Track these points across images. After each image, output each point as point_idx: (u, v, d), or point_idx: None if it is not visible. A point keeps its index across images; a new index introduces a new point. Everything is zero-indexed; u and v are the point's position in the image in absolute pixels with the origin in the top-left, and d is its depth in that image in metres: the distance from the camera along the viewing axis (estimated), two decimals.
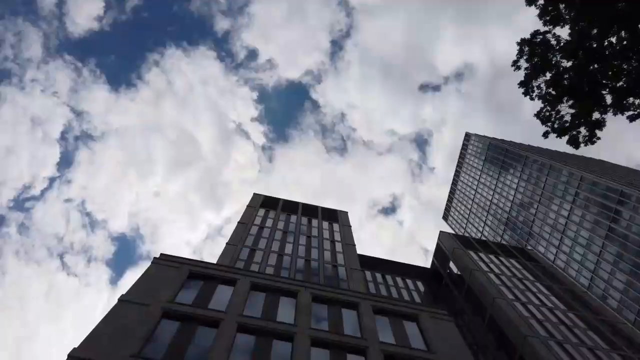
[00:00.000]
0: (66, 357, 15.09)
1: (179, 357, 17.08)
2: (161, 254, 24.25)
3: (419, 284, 56.73)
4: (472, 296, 47.79)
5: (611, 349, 37.81)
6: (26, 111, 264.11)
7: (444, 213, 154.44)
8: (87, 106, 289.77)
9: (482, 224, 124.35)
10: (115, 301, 19.10)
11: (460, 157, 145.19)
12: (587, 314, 43.91)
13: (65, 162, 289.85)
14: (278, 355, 18.74)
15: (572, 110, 19.82)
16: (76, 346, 15.72)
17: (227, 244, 43.11)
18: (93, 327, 17.01)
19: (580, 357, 35.12)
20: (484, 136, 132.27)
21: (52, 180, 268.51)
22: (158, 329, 18.55)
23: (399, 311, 24.45)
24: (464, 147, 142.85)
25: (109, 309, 18.24)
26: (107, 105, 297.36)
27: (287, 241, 48.77)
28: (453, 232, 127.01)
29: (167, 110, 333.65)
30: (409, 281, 56.58)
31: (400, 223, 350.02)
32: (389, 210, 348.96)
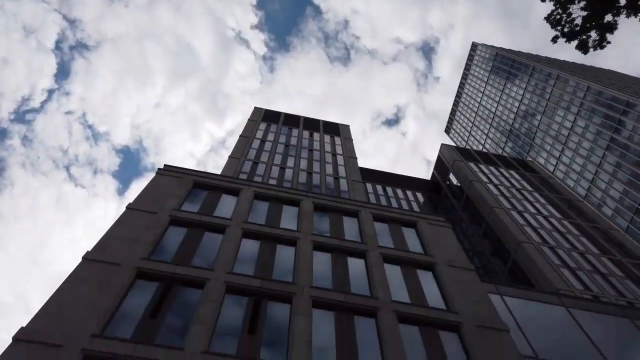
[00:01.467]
0: (81, 260, 15.90)
1: (187, 260, 17.96)
2: (165, 165, 24.58)
3: (419, 195, 57.94)
4: (471, 206, 48.99)
5: (602, 253, 39.45)
6: (17, 18, 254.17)
7: (447, 126, 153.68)
8: (80, 13, 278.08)
9: (484, 137, 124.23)
10: (124, 210, 19.69)
11: (465, 68, 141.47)
12: (582, 222, 45.28)
13: (62, 72, 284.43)
14: (282, 259, 19.66)
15: (584, 13, 18.96)
16: (89, 250, 16.50)
17: (229, 157, 43.52)
18: (103, 234, 17.71)
19: (571, 261, 36.75)
20: (491, 46, 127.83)
21: (50, 92, 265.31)
22: (166, 235, 19.32)
23: (398, 218, 25.22)
24: (470, 57, 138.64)
25: (117, 218, 18.88)
26: (100, 12, 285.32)
27: (289, 154, 49.15)
28: (455, 144, 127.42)
29: (162, 15, 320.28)
30: (409, 193, 57.73)
31: (403, 134, 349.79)
32: (393, 121, 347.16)
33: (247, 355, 13.81)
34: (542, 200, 49.06)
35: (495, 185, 50.04)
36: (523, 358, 16.80)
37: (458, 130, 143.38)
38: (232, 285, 16.80)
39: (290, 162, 46.76)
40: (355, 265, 20.44)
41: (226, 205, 22.91)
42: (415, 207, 53.77)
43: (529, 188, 52.16)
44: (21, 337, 12.37)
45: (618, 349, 19.53)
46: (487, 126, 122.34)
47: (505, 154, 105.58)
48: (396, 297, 18.56)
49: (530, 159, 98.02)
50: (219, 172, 49.52)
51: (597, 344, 19.48)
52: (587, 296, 31.72)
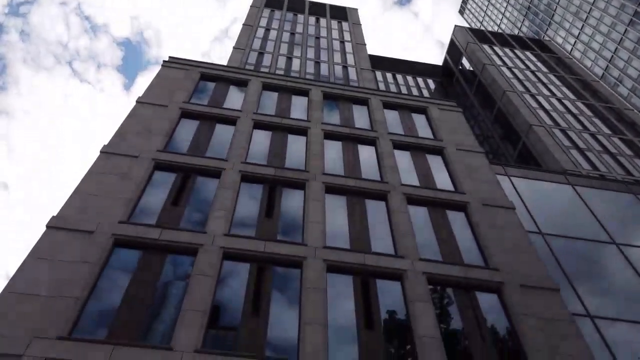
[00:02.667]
0: (99, 153, 16.39)
1: (202, 151, 18.40)
2: (170, 57, 24.09)
3: (430, 82, 56.68)
4: (483, 91, 48.06)
5: (613, 133, 39.34)
6: None
7: (461, 7, 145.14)
8: None
9: (501, 16, 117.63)
10: (133, 104, 19.76)
11: None
12: (595, 102, 44.51)
13: None
14: (293, 148, 20.02)
15: None
16: (105, 144, 16.91)
17: (234, 48, 42.30)
18: (117, 128, 18.00)
19: (582, 142, 36.82)
20: None
21: None
22: (178, 128, 19.59)
23: (408, 105, 25.03)
24: None
25: (129, 112, 19.02)
26: None
27: (294, 43, 47.52)
28: (469, 26, 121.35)
29: None
30: (419, 79, 56.44)
31: (415, 15, 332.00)
32: (404, 0, 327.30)
33: (265, 236, 14.74)
34: (557, 82, 47.85)
35: (509, 68, 48.56)
36: (526, 233, 17.68)
37: (473, 10, 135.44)
38: (247, 174, 17.38)
39: (297, 51, 45.36)
40: (366, 153, 20.80)
41: (235, 97, 22.80)
42: (426, 94, 52.95)
43: (544, 70, 50.58)
44: (54, 225, 13.25)
45: (621, 223, 20.36)
46: (504, 4, 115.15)
47: (521, 34, 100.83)
48: (406, 181, 19.13)
49: (547, 38, 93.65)
50: (224, 63, 48.55)
51: (600, 219, 20.28)
52: (594, 175, 32.31)
